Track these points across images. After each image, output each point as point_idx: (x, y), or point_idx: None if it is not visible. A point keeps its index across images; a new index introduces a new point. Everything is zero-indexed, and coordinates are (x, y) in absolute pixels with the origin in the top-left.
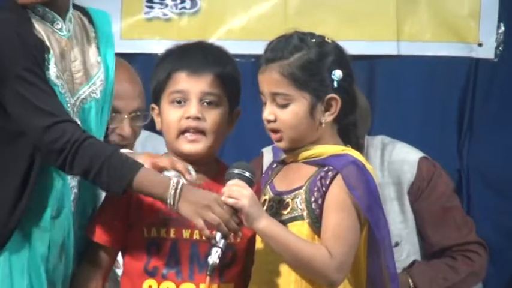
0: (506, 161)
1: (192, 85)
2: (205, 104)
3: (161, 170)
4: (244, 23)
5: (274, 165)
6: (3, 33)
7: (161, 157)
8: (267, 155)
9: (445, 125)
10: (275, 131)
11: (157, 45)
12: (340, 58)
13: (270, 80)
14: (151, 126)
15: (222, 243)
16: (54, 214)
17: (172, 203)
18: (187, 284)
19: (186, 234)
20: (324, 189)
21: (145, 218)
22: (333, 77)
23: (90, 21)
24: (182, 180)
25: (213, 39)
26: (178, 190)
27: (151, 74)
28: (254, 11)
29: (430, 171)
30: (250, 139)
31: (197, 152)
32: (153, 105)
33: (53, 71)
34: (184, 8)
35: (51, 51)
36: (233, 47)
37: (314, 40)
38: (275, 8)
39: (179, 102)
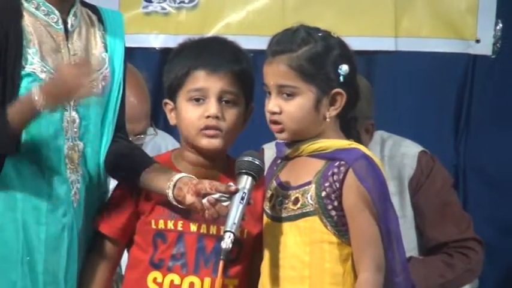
0: (503, 157)
1: (211, 84)
2: (223, 102)
3: (205, 195)
4: (242, 18)
5: (279, 161)
6: None
7: (201, 182)
8: (268, 152)
9: (442, 121)
10: (277, 122)
11: (156, 40)
12: (346, 53)
13: (277, 72)
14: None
15: (234, 227)
16: (50, 207)
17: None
18: (192, 277)
19: (193, 227)
20: (337, 185)
21: (153, 209)
22: (339, 71)
23: (100, 19)
24: None
25: (211, 34)
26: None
27: (153, 69)
28: (252, 5)
29: (429, 165)
30: (249, 135)
31: (215, 147)
32: (167, 101)
33: (37, 66)
34: (182, 2)
35: (35, 46)
36: None
37: (320, 34)
38: (273, 3)
39: (197, 100)
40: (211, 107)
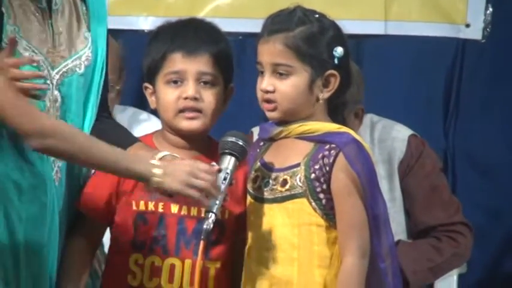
0: (492, 141)
1: (188, 65)
2: (201, 83)
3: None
4: (232, 0)
5: (261, 142)
6: None
7: (183, 161)
8: (257, 134)
9: (431, 105)
10: (270, 101)
11: (145, 22)
12: (340, 36)
13: (273, 51)
14: (138, 103)
15: (215, 208)
16: (30, 184)
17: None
18: (173, 259)
19: (174, 209)
20: (327, 168)
21: (134, 191)
22: (334, 53)
23: None
24: None
25: (201, 16)
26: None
27: (142, 51)
28: None
29: (419, 149)
30: (236, 118)
31: (195, 128)
32: (147, 85)
33: (19, 43)
34: None
35: (17, 24)
36: (220, 25)
37: (316, 15)
38: None
39: (175, 82)
40: (189, 88)
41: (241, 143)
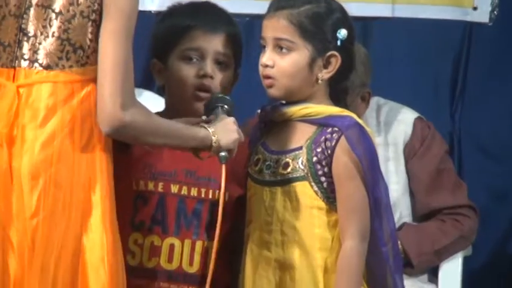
0: (498, 124)
1: (208, 43)
2: (217, 64)
3: None
4: None
5: (263, 125)
6: None
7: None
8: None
9: (438, 88)
10: (269, 77)
11: (152, 3)
12: (346, 19)
13: (276, 26)
14: (144, 84)
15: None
16: None
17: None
18: (172, 239)
19: (174, 189)
20: (329, 151)
21: (134, 170)
22: (338, 35)
23: None
24: None
25: None
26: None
27: (149, 32)
28: None
29: (425, 132)
30: (242, 100)
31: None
32: (155, 61)
33: None
34: None
35: None
36: (228, 6)
37: None
38: None
39: (190, 59)
40: (208, 66)
41: (228, 97)
